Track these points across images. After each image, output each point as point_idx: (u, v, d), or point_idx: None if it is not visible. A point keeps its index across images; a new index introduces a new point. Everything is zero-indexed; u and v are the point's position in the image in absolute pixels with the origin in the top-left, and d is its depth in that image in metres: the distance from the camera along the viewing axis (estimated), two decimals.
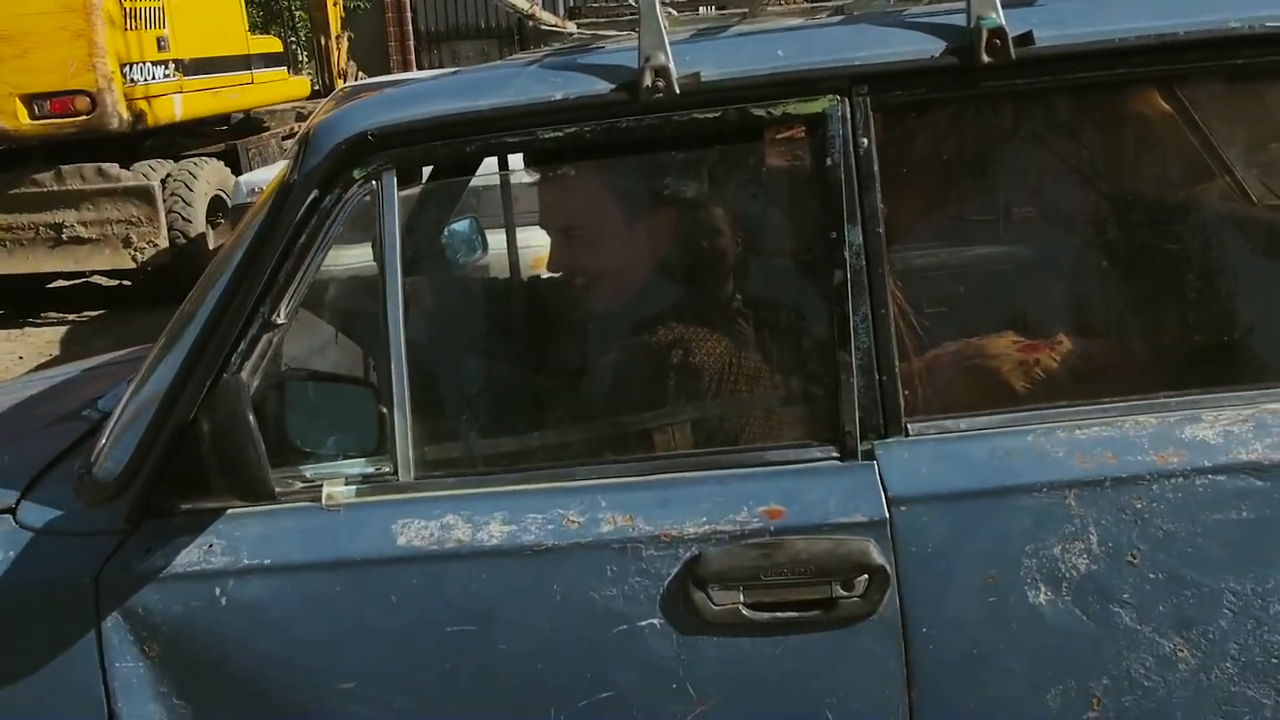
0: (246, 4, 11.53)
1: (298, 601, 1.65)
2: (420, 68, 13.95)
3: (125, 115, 8.68)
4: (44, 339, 8.48)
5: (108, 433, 1.81)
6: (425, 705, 1.66)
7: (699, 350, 1.79)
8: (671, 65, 1.64)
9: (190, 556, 1.66)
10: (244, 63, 10.53)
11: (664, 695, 1.64)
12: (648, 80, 1.64)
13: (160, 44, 9.25)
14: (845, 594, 1.61)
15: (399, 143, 1.68)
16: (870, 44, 1.70)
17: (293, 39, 16.45)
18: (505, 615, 1.63)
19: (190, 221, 8.95)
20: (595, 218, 1.92)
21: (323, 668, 1.65)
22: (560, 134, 1.69)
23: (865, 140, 1.67)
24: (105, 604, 1.65)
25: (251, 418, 1.52)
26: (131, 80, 8.80)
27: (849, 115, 1.66)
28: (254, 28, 12.32)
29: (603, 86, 1.67)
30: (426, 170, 2.11)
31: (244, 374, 1.65)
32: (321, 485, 1.69)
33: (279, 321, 1.67)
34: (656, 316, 1.84)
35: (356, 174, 1.68)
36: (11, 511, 1.76)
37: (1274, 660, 1.63)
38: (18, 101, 8.49)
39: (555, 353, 1.98)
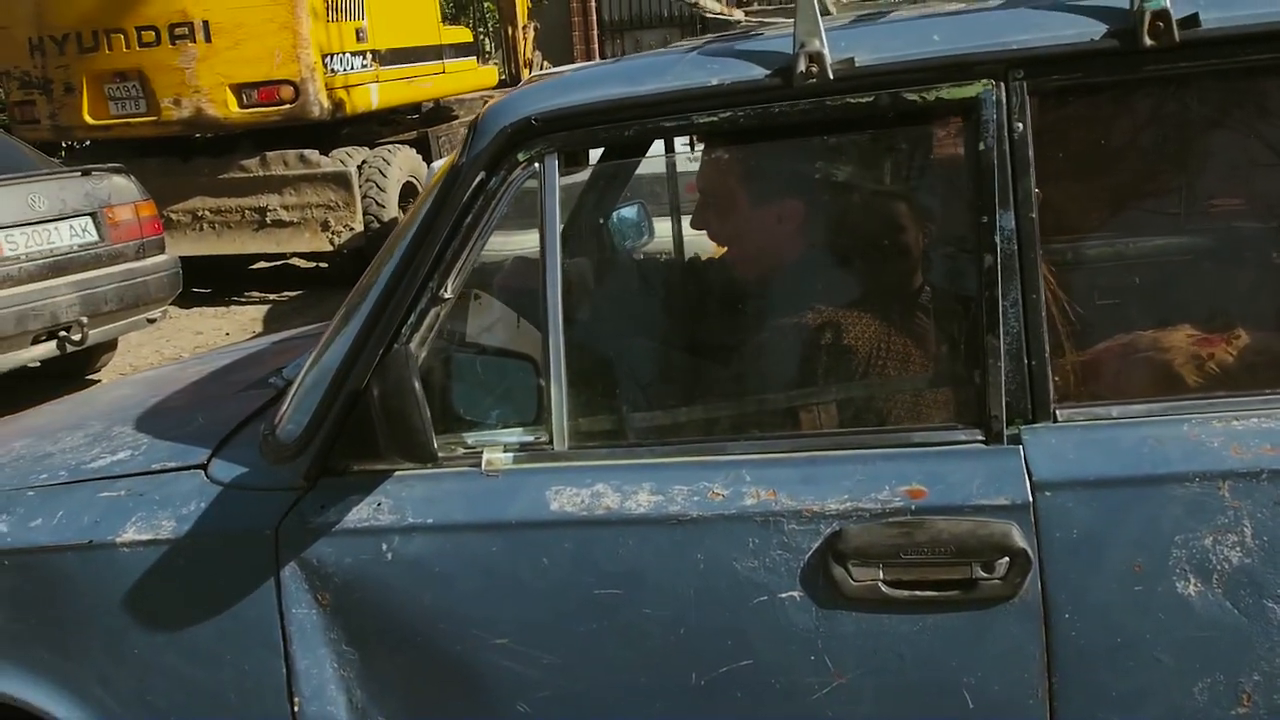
0: None
1: (457, 559, 1.75)
2: (604, 56, 14.20)
3: (326, 104, 9.08)
4: (248, 316, 8.98)
5: (290, 398, 1.95)
6: (572, 663, 1.74)
7: (848, 332, 1.81)
8: (826, 51, 1.67)
9: (361, 513, 1.78)
10: (436, 53, 10.88)
11: (802, 666, 1.68)
12: (802, 65, 1.67)
13: (359, 35, 9.64)
14: (985, 575, 1.61)
15: (561, 126, 1.75)
16: (1028, 28, 1.69)
17: (481, 29, 16.87)
18: (650, 581, 1.70)
19: (384, 206, 9.31)
20: (749, 200, 1.97)
21: (479, 623, 1.75)
22: (716, 118, 1.74)
23: (1020, 125, 1.66)
24: (284, 554, 1.79)
25: (417, 385, 1.62)
26: (332, 70, 9.20)
27: (1004, 100, 1.66)
28: (445, 18, 12.68)
29: (758, 72, 1.71)
30: (595, 154, 2.19)
31: (413, 345, 1.76)
32: (482, 452, 1.79)
33: (446, 296, 1.77)
34: (807, 298, 1.87)
35: (521, 157, 1.76)
36: (204, 467, 1.92)
37: None
38: (228, 90, 8.99)
39: (706, 331, 2.03)
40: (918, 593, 1.64)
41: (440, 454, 1.76)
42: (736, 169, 1.98)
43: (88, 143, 10.04)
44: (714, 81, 1.73)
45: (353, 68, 9.51)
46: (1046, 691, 1.64)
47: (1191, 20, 1.61)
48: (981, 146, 1.66)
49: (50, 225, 6.46)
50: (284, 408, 1.94)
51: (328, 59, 9.15)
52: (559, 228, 1.77)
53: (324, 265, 10.12)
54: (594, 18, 14.85)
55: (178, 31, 8.90)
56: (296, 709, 1.81)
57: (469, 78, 11.63)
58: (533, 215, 1.78)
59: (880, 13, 1.91)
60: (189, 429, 2.09)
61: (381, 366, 1.69)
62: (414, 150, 10.01)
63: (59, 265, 6.41)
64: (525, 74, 11.50)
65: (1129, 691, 1.63)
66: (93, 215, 6.71)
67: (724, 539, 1.67)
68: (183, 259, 7.47)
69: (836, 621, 1.66)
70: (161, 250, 7.15)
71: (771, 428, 1.82)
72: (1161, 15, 1.61)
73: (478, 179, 1.77)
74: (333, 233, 9.27)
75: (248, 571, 1.80)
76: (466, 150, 1.79)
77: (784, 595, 1.67)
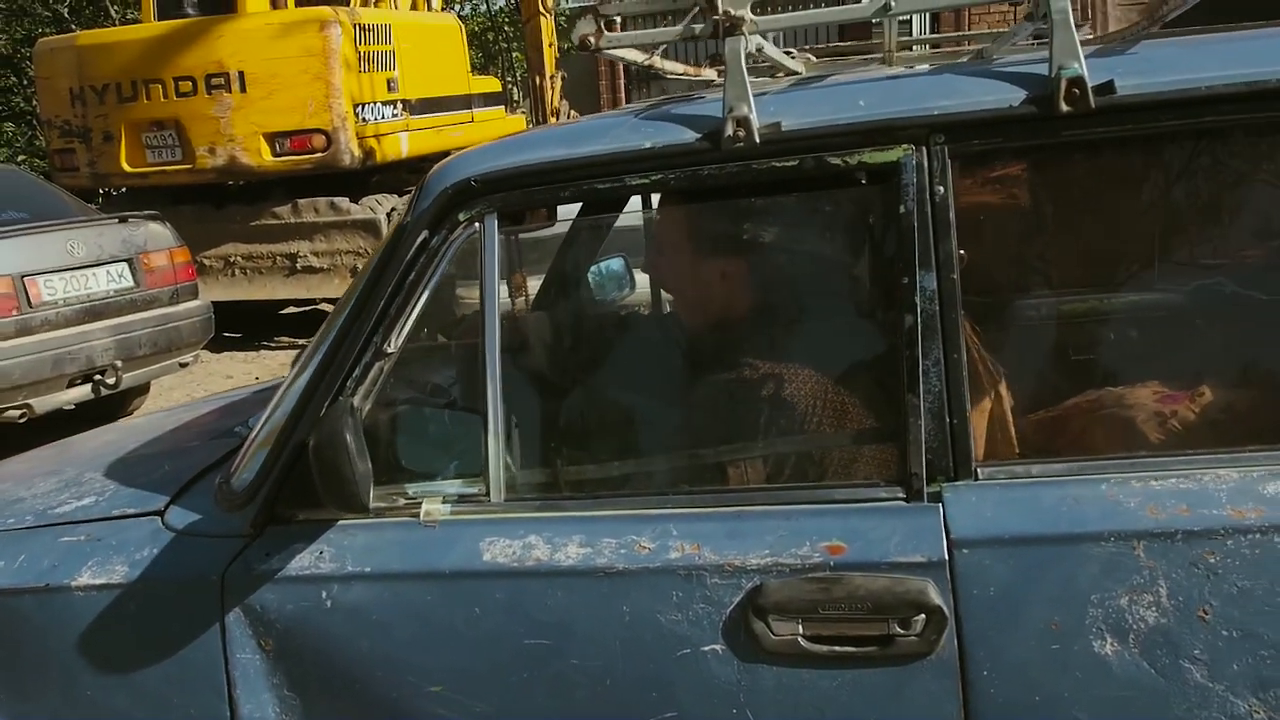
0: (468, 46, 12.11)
1: (393, 608, 1.79)
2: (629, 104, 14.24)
3: (356, 152, 9.25)
4: (277, 361, 9.11)
5: (245, 448, 2.01)
6: (503, 712, 1.77)
7: (780, 389, 1.84)
8: (753, 116, 1.72)
9: (303, 561, 1.83)
10: (465, 102, 11.06)
11: (724, 719, 1.70)
12: (729, 130, 1.73)
13: (390, 85, 9.82)
14: (902, 632, 1.64)
15: (500, 188, 1.81)
16: (952, 93, 1.73)
17: (509, 78, 17.08)
18: (577, 632, 1.73)
19: None
20: (693, 254, 2.02)
21: (414, 670, 1.79)
22: (648, 180, 1.79)
23: (942, 188, 1.70)
24: (229, 600, 1.84)
25: (349, 437, 1.67)
26: (363, 119, 9.38)
27: (926, 164, 1.70)
28: (474, 68, 12.89)
29: (689, 136, 1.77)
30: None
31: (357, 398, 1.82)
32: (422, 502, 1.84)
33: (389, 351, 1.83)
34: (734, 355, 1.91)
35: (461, 217, 1.82)
36: (161, 514, 1.98)
37: None
38: (262, 139, 9.19)
39: (637, 387, 2.07)
40: (836, 648, 1.66)
41: (383, 504, 1.83)
42: (682, 224, 2.04)
43: (124, 190, 10.27)
44: (647, 144, 1.78)
45: (383, 117, 9.69)
46: None
47: (1107, 87, 1.65)
48: (902, 209, 1.70)
49: (88, 271, 6.64)
50: (239, 457, 2.01)
51: (359, 108, 9.34)
52: (496, 286, 1.82)
53: None
54: (620, 66, 15.03)
55: (214, 82, 9.13)
56: None
57: (497, 126, 11.80)
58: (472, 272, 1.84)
59: (821, 76, 1.96)
60: (154, 476, 2.15)
61: (320, 419, 1.75)
62: None
63: (95, 310, 6.58)
64: (552, 122, 11.66)
65: None
66: (129, 261, 6.88)
67: (649, 592, 1.71)
68: (215, 304, 7.63)
69: (758, 675, 1.69)
70: (195, 295, 7.31)
71: (701, 482, 1.86)
72: (1077, 82, 1.65)
73: (420, 238, 1.83)
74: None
75: (194, 617, 1.86)
76: (411, 210, 1.86)
77: (706, 648, 1.70)
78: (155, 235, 7.10)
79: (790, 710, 1.68)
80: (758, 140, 1.72)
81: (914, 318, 1.69)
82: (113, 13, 13.50)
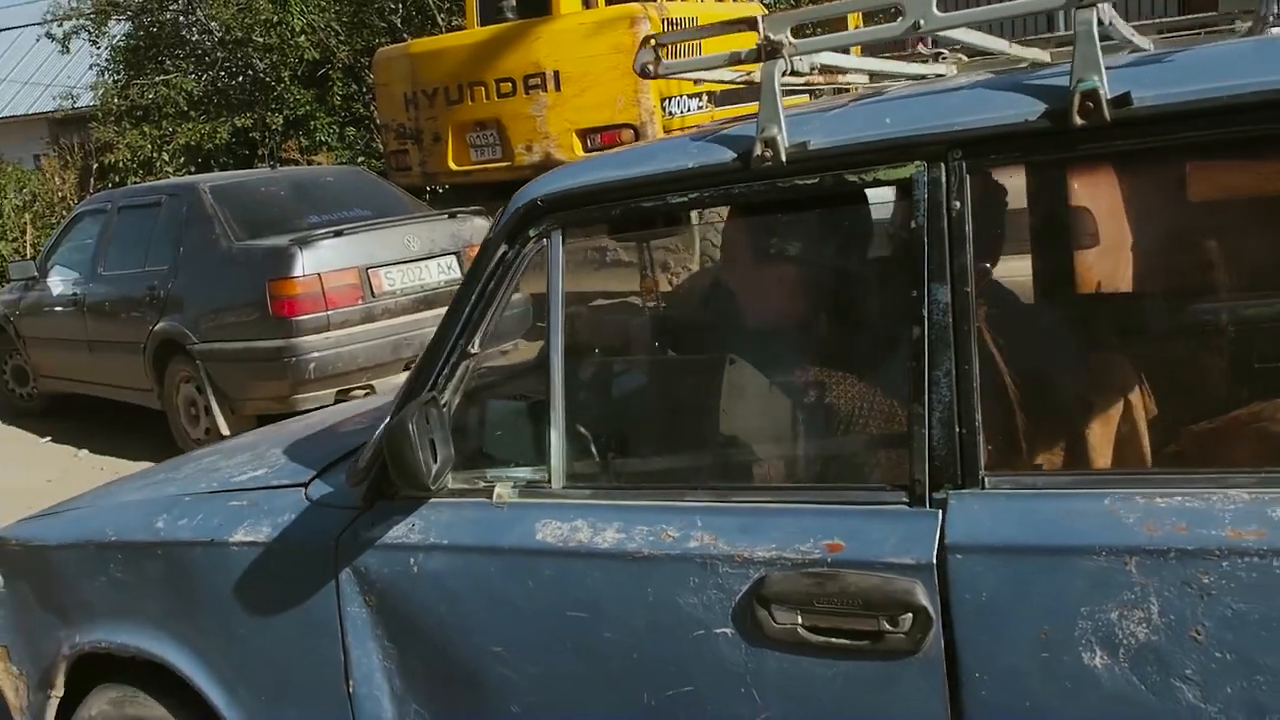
0: None
1: (464, 576, 2.04)
2: None
3: None
4: None
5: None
6: (548, 675, 1.98)
7: (803, 394, 1.94)
8: (781, 137, 1.83)
9: (398, 532, 2.11)
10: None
11: (733, 698, 1.83)
12: (758, 150, 1.84)
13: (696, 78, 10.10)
14: (891, 629, 1.70)
15: (562, 206, 2.02)
16: (972, 109, 1.76)
17: None
18: (609, 609, 1.91)
19: (717, 247, 9.72)
20: (739, 269, 2.14)
21: (480, 632, 2.03)
22: (686, 199, 1.94)
23: (958, 203, 1.74)
24: (341, 561, 2.15)
25: (412, 426, 1.92)
26: (670, 113, 9.70)
27: (943, 179, 1.75)
28: None
29: (726, 156, 1.90)
30: None
31: (446, 393, 2.08)
32: (495, 485, 2.07)
33: (473, 351, 2.08)
34: (769, 361, 2.01)
35: (532, 232, 2.04)
36: (305, 486, 2.32)
37: None
38: (574, 135, 9.68)
39: (680, 387, 2.20)
40: (831, 640, 1.75)
41: (465, 486, 2.08)
42: (734, 237, 2.16)
43: (448, 187, 11.14)
44: (690, 165, 1.93)
45: (689, 110, 9.96)
46: None
47: (1123, 99, 1.63)
48: (913, 224, 1.75)
49: (422, 263, 7.31)
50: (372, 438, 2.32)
51: (666, 102, 9.64)
52: (562, 293, 2.02)
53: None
54: None
55: (531, 82, 9.68)
56: (351, 690, 2.17)
57: None
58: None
59: (865, 96, 2.02)
60: (316, 454, 2.51)
61: (398, 410, 2.02)
62: None
63: (428, 299, 7.20)
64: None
65: None
66: (456, 254, 7.51)
67: (671, 576, 1.86)
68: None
69: (762, 659, 1.80)
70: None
71: (728, 478, 1.98)
72: (1091, 95, 1.64)
73: (499, 251, 2.06)
74: (671, 274, 9.78)
75: (316, 574, 2.18)
76: (495, 225, 2.09)
77: (718, 631, 1.83)
78: (479, 229, 7.65)
79: (791, 694, 1.79)
80: (784, 160, 1.83)
81: (925, 329, 1.74)
82: (440, 20, 14.58)
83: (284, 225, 7.27)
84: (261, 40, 15.78)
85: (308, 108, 15.94)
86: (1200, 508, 1.59)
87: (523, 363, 2.37)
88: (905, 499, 1.75)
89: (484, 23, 10.20)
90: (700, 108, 10.12)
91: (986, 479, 1.72)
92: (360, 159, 15.48)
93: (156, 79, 16.89)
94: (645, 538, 1.89)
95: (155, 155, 16.42)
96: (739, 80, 2.27)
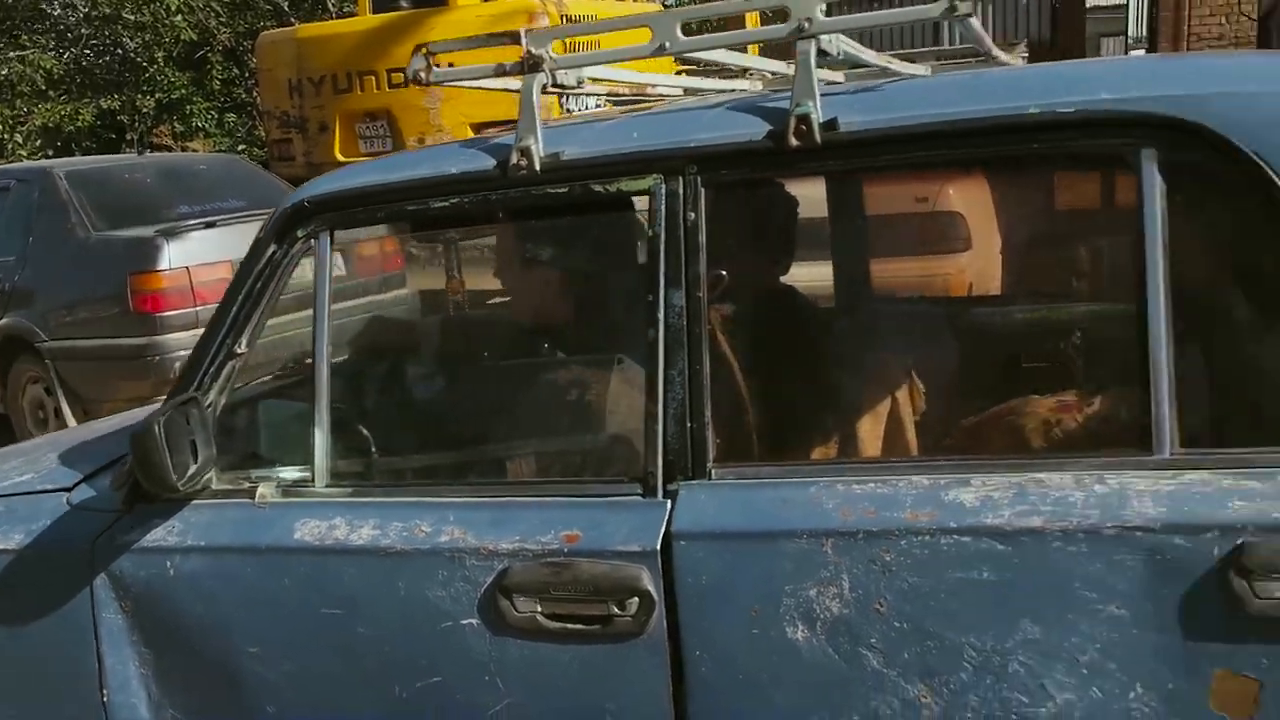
0: None
1: (221, 577, 2.07)
2: None
3: None
4: None
5: None
6: (303, 672, 2.03)
7: (562, 393, 2.07)
8: (536, 147, 1.95)
9: (156, 534, 2.13)
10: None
11: (479, 686, 1.92)
12: (515, 159, 1.96)
13: None
14: (619, 613, 1.82)
15: (327, 209, 2.09)
16: (710, 127, 1.92)
17: None
18: (363, 605, 1.98)
19: None
20: (508, 271, 2.26)
21: (237, 632, 2.06)
22: (447, 204, 2.04)
23: (693, 214, 1.89)
24: (97, 566, 2.16)
25: (158, 428, 1.96)
26: (568, 110, 9.13)
27: (680, 191, 1.89)
28: None
29: (487, 163, 2.01)
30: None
31: (211, 394, 2.12)
32: (259, 485, 2.13)
33: (240, 352, 2.13)
34: (527, 359, 2.14)
35: (300, 233, 2.11)
36: (69, 490, 2.32)
37: (1013, 715, 1.68)
38: (469, 130, 8.89)
39: (434, 387, 2.32)
40: (568, 625, 1.86)
41: (230, 486, 2.12)
42: (500, 240, 2.29)
43: None
44: (453, 171, 2.03)
45: (588, 106, 9.85)
46: None
47: (832, 124, 1.81)
48: (651, 233, 1.90)
49: None
50: None
51: (564, 99, 9.37)
52: (329, 294, 2.10)
53: None
54: None
55: None
56: (106, 699, 2.17)
57: None
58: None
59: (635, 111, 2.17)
60: (91, 457, 2.50)
61: (153, 412, 2.06)
62: None
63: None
64: None
65: None
66: (342, 251, 7.29)
67: (421, 570, 1.94)
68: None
69: (505, 648, 1.90)
70: (404, 285, 7.40)
71: (481, 475, 2.09)
72: (805, 119, 1.81)
73: (268, 251, 2.13)
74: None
75: (72, 580, 2.18)
76: (265, 226, 2.16)
77: (465, 622, 1.92)
78: None
79: (530, 679, 1.89)
80: (539, 169, 1.95)
81: (660, 331, 1.88)
82: (330, 5, 14.32)
83: (150, 215, 6.89)
84: (133, 18, 15.07)
85: (183, 91, 15.34)
86: (888, 493, 1.76)
87: (294, 362, 2.42)
88: (640, 491, 1.88)
89: (377, 10, 9.93)
90: (599, 105, 10.10)
91: (714, 471, 1.86)
92: (241, 147, 14.96)
93: (10, 54, 16.00)
94: (399, 533, 1.97)
95: (7, 137, 15.52)
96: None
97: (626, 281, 2.09)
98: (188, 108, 15.45)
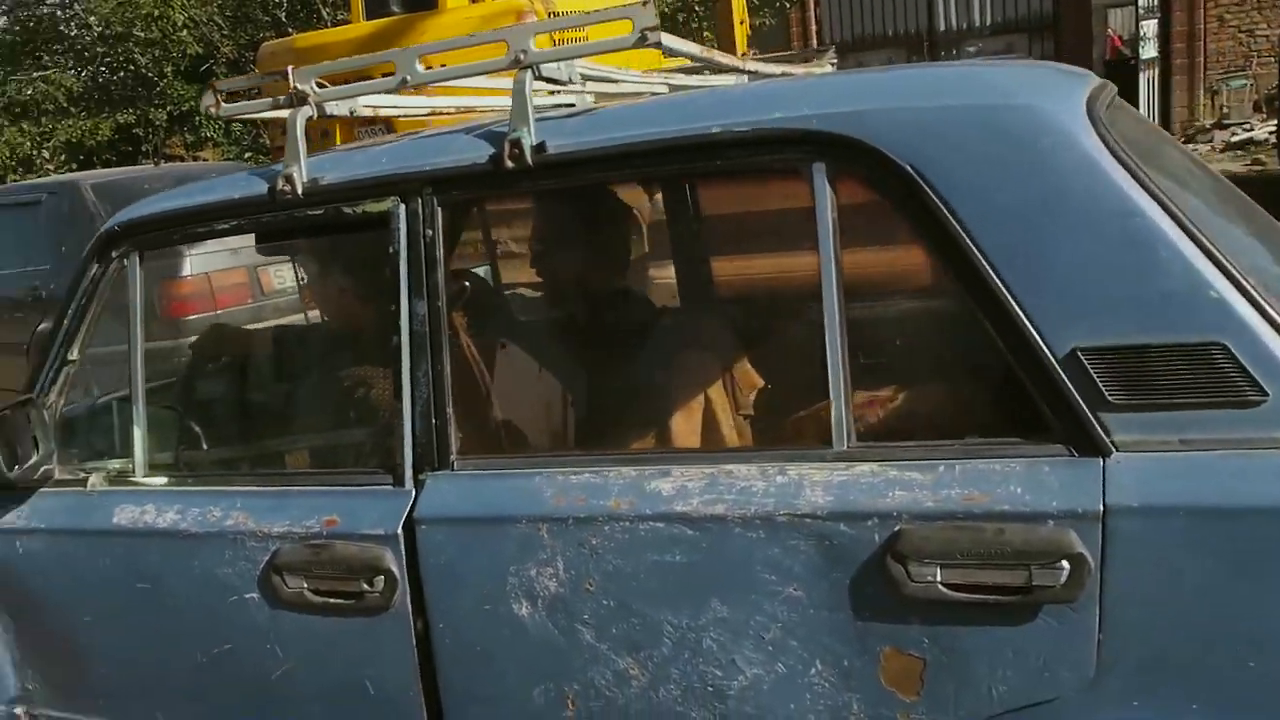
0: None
1: (56, 556, 2.34)
2: None
3: None
4: None
5: None
6: (125, 638, 2.30)
7: (342, 393, 2.27)
8: (299, 173, 2.14)
9: (9, 517, 2.40)
10: None
11: (262, 653, 2.15)
12: (280, 185, 2.15)
13: None
14: (369, 589, 2.03)
15: (135, 232, 2.32)
16: (445, 151, 2.08)
17: None
18: (167, 580, 2.22)
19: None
20: (311, 285, 2.46)
21: (71, 605, 2.33)
22: (229, 225, 2.24)
23: (430, 231, 2.06)
24: None
25: None
26: None
27: (419, 211, 2.07)
28: None
29: (260, 189, 2.20)
30: None
31: (51, 395, 2.37)
32: (91, 475, 2.37)
33: (73, 358, 2.37)
34: (305, 364, 2.34)
35: (114, 254, 2.33)
36: None
37: (710, 688, 1.85)
38: None
39: (240, 388, 2.53)
40: (330, 600, 2.08)
41: (70, 477, 2.37)
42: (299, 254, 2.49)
43: None
44: (235, 196, 2.23)
45: None
46: (420, 688, 2.03)
47: (541, 148, 1.97)
48: (392, 250, 2.08)
49: None
50: None
51: None
52: (141, 309, 2.32)
53: None
54: (814, 41, 15.11)
55: None
56: None
57: None
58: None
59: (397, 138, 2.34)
60: None
61: None
62: None
63: None
64: None
65: (489, 694, 2.01)
66: None
67: (213, 550, 2.17)
68: None
69: (280, 619, 2.13)
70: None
71: (269, 466, 2.31)
72: (517, 144, 1.97)
73: (90, 270, 2.35)
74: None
75: None
76: (86, 249, 2.38)
77: (247, 596, 2.15)
78: None
79: (302, 645, 2.12)
80: (300, 194, 2.14)
81: (406, 337, 2.07)
82: (324, 14, 14.71)
83: None
84: (143, 35, 15.79)
85: (192, 103, 15.97)
86: (599, 483, 1.93)
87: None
88: (390, 480, 2.08)
89: (370, 17, 10.02)
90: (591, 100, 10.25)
91: (456, 463, 2.05)
92: (247, 155, 15.54)
93: (35, 75, 16.86)
94: (195, 518, 2.20)
95: (35, 153, 16.40)
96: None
97: (379, 293, 2.27)
98: (196, 119, 15.99)
